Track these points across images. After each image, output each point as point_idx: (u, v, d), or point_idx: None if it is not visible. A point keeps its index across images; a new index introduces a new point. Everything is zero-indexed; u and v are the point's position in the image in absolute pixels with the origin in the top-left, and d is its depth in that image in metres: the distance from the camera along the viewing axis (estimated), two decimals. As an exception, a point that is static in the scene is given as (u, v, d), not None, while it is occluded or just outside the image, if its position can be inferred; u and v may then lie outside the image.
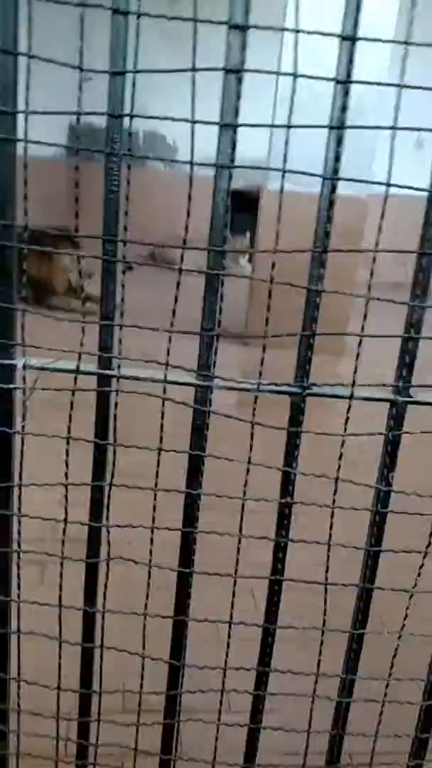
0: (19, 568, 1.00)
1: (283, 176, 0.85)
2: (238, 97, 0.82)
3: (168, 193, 7.63)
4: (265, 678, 1.08)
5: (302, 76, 0.82)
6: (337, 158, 0.86)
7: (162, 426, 0.96)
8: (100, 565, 1.04)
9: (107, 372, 0.93)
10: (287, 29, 0.78)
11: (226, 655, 1.07)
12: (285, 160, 0.88)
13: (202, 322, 0.93)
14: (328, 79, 0.85)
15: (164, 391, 0.94)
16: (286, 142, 0.84)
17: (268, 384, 0.93)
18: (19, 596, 1.01)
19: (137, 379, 0.94)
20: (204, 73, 0.80)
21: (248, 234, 7.47)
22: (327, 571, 1.02)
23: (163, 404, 0.95)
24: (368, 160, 4.75)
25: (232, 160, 0.84)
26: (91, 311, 4.72)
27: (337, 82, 0.84)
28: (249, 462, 0.96)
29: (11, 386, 0.93)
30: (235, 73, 0.81)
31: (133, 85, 0.82)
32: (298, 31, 0.79)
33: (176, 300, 0.93)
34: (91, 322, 0.91)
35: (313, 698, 1.09)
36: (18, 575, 1.01)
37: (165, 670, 1.09)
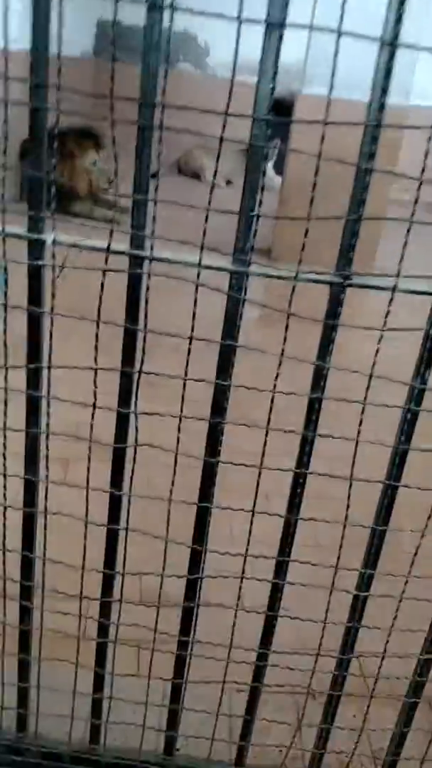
0: (47, 450, 1.01)
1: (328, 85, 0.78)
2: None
3: (197, 96, 7.28)
4: (285, 567, 1.09)
5: None
6: (388, 74, 0.79)
7: (194, 314, 0.93)
8: (126, 455, 1.04)
9: (139, 252, 0.90)
10: None
11: (246, 550, 1.08)
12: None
13: (241, 202, 0.89)
14: None
15: (198, 276, 0.90)
16: (335, 54, 0.75)
17: (308, 272, 0.89)
18: (47, 477, 1.02)
19: (170, 261, 0.90)
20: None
21: (278, 141, 7.16)
22: (353, 466, 1.01)
23: (196, 290, 0.91)
24: (409, 70, 4.46)
25: (277, 60, 0.77)
26: (116, 219, 4.60)
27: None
28: (282, 354, 0.94)
29: (41, 263, 0.90)
30: None
31: None
32: None
33: (211, 189, 0.89)
34: (127, 195, 0.87)
35: (331, 591, 1.11)
36: (46, 457, 1.01)
37: (184, 565, 1.11)
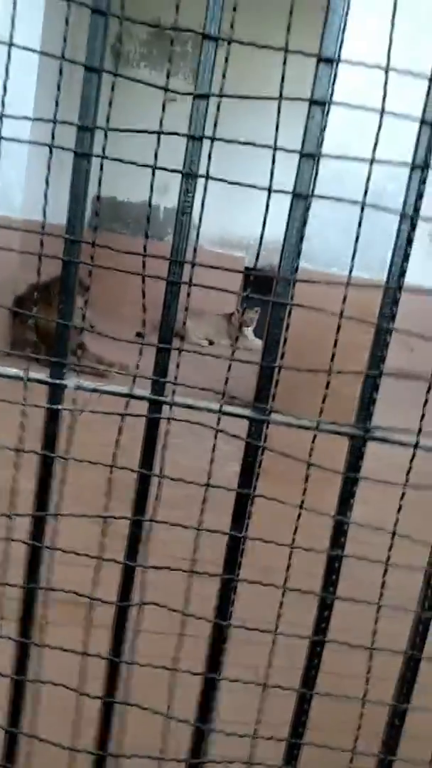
0: (44, 607, 0.92)
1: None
2: (323, 128, 0.82)
3: (186, 266, 7.77)
4: (298, 751, 0.98)
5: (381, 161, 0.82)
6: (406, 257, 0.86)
7: (212, 459, 0.91)
8: (129, 611, 0.96)
9: (160, 398, 0.89)
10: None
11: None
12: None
13: (263, 354, 0.90)
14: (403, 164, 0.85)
15: (218, 422, 0.89)
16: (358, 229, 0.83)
17: (330, 423, 0.88)
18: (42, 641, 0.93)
19: (191, 407, 0.89)
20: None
21: (258, 309, 7.59)
22: (374, 634, 0.94)
23: (215, 436, 0.90)
24: (387, 246, 4.87)
25: (313, 189, 0.83)
26: (104, 373, 4.68)
27: (414, 167, 0.83)
28: (301, 506, 0.91)
29: (60, 407, 0.89)
30: (321, 103, 0.81)
31: (218, 108, 0.82)
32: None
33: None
34: (149, 344, 0.88)
35: None
36: (42, 617, 0.93)
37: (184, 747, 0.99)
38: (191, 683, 0.99)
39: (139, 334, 7.61)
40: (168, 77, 0.84)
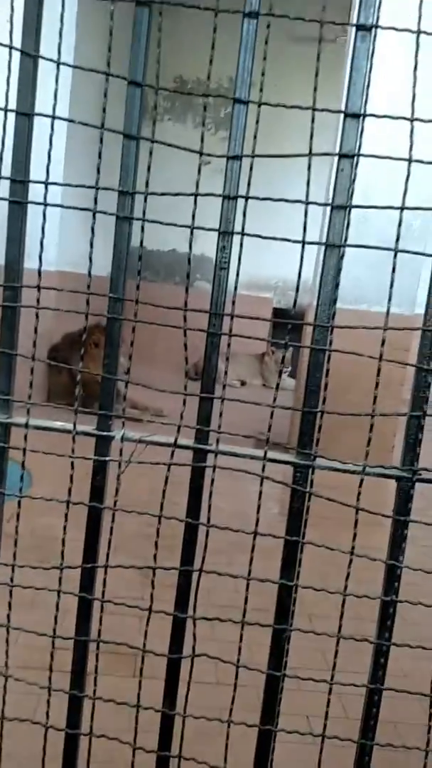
0: (97, 659, 0.93)
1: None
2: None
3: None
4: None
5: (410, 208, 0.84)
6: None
7: (259, 507, 0.91)
8: (180, 667, 0.96)
9: (206, 447, 0.90)
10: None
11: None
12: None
13: (304, 400, 0.91)
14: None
15: (263, 469, 0.90)
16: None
17: (375, 467, 0.88)
18: (95, 692, 0.93)
19: (236, 455, 0.90)
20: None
21: (291, 349, 7.60)
22: (433, 682, 0.91)
23: (261, 483, 0.91)
24: (414, 281, 4.87)
25: (346, 239, 0.85)
26: (137, 417, 4.74)
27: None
28: (352, 552, 0.90)
29: (107, 459, 0.90)
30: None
31: (251, 168, 0.85)
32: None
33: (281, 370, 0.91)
34: (192, 395, 0.90)
35: None
36: (96, 668, 0.93)
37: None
38: (244, 733, 0.97)
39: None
40: (202, 141, 0.87)
